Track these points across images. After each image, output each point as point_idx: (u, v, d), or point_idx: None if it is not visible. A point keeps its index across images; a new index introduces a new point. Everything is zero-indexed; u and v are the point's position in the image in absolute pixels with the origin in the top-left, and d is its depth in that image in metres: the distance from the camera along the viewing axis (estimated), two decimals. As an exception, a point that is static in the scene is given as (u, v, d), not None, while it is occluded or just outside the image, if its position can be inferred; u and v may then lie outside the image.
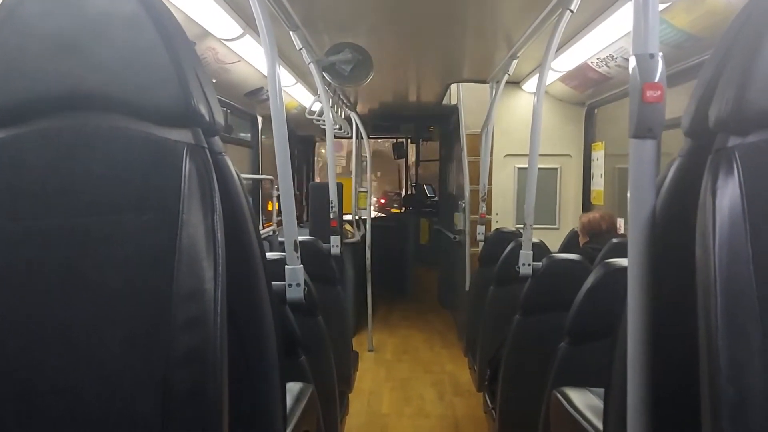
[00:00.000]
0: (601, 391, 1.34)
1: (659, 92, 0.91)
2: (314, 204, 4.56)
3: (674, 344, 0.91)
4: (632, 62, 0.93)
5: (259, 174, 4.65)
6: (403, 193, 9.13)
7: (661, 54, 0.93)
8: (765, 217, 0.78)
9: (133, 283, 0.86)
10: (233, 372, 0.90)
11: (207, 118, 0.98)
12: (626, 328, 0.98)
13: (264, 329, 1.09)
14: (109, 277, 0.86)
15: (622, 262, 1.79)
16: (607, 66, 3.35)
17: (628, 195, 0.98)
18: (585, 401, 1.53)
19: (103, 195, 0.89)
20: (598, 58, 3.31)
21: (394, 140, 8.28)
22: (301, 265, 1.75)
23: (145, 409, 0.83)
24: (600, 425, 1.34)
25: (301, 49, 2.82)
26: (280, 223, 4.79)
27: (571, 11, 2.23)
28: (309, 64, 2.99)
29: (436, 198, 7.88)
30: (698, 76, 0.95)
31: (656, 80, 0.91)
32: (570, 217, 4.49)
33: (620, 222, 3.62)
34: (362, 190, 6.04)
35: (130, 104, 0.93)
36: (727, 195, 0.79)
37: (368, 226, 5.15)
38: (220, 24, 2.60)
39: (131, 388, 0.83)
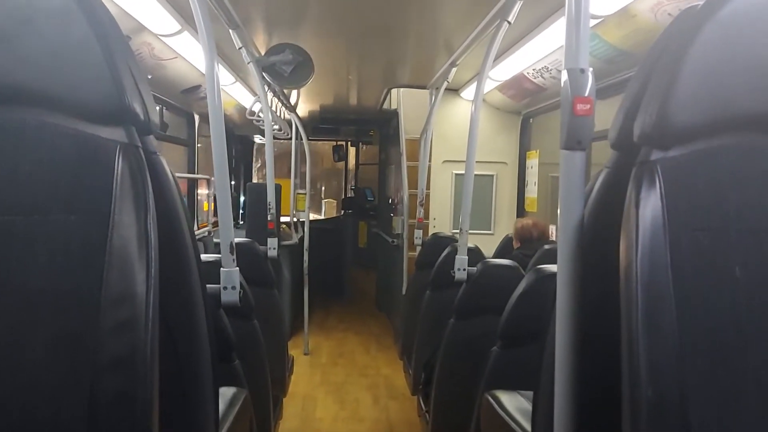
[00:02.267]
0: (531, 393, 1.38)
1: (589, 106, 0.94)
2: (251, 205, 4.49)
3: (600, 348, 0.94)
4: (564, 76, 0.96)
5: (195, 173, 4.54)
6: (342, 196, 9.12)
7: (591, 69, 0.96)
8: (683, 228, 0.82)
9: (60, 286, 0.82)
10: (164, 377, 0.88)
11: (141, 116, 0.95)
12: (554, 332, 1.01)
13: (197, 333, 1.07)
14: (33, 279, 0.82)
15: (553, 268, 1.84)
16: (543, 77, 3.45)
17: (559, 203, 1.01)
18: (515, 404, 1.57)
19: (28, 194, 0.85)
20: (534, 69, 3.41)
21: (334, 143, 8.26)
22: (237, 268, 1.73)
23: (71, 416, 0.79)
24: (529, 427, 1.38)
25: (240, 48, 2.78)
26: (215, 224, 4.70)
27: (509, 22, 2.29)
28: (249, 63, 2.96)
29: (375, 201, 7.90)
30: (625, 91, 0.99)
31: (586, 94, 0.95)
32: (505, 223, 4.59)
33: (552, 229, 3.74)
34: (300, 192, 6.00)
35: (59, 100, 0.90)
36: (649, 206, 0.83)
37: (306, 229, 5.12)
38: (158, 19, 2.53)
39: (56, 395, 0.80)
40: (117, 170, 0.87)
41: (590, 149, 1.05)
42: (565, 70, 0.96)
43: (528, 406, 1.50)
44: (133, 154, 0.91)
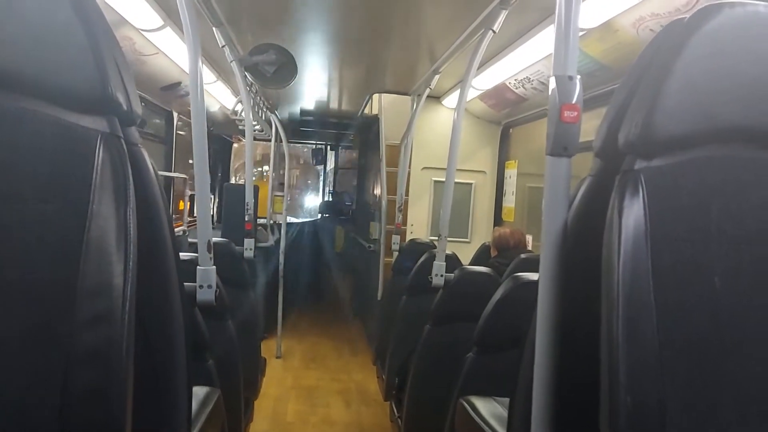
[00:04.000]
0: (506, 400, 1.38)
1: (576, 113, 0.95)
2: (228, 205, 4.45)
3: (579, 354, 0.95)
4: (552, 83, 0.97)
5: (171, 171, 4.49)
6: (320, 199, 9.10)
7: (579, 77, 0.97)
8: (665, 237, 0.83)
9: (34, 276, 0.80)
10: (138, 373, 0.86)
11: (124, 106, 0.93)
12: (534, 338, 1.01)
13: (173, 330, 1.05)
14: (8, 268, 0.80)
15: (531, 276, 1.86)
16: (524, 87, 3.48)
17: (542, 209, 1.02)
18: (490, 410, 1.57)
19: (5, 180, 0.83)
20: (515, 79, 3.44)
21: (314, 146, 8.24)
22: (214, 267, 1.71)
23: (43, 408, 0.77)
24: None
25: (223, 46, 2.76)
26: (190, 224, 4.64)
27: (494, 31, 2.30)
28: (231, 62, 2.93)
29: (353, 206, 7.89)
30: (611, 100, 1.00)
31: (574, 101, 0.95)
32: (482, 232, 4.62)
33: (529, 238, 3.76)
34: (278, 194, 5.97)
35: (39, 85, 0.88)
36: (632, 215, 0.84)
37: (283, 231, 5.09)
38: (140, 13, 2.50)
39: (28, 387, 0.77)
40: (98, 160, 0.86)
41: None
42: (553, 77, 0.97)
43: (503, 412, 1.50)
44: (114, 145, 0.89)
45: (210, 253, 1.70)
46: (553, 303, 0.99)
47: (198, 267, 1.68)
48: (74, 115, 0.88)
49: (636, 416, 0.78)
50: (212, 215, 6.11)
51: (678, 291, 0.81)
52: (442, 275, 2.49)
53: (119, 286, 0.82)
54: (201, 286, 1.68)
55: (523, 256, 2.73)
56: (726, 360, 0.80)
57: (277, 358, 4.94)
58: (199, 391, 1.54)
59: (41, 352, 0.78)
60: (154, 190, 1.01)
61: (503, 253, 3.19)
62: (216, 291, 1.71)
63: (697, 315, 0.81)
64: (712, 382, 0.79)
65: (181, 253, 1.41)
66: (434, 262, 2.50)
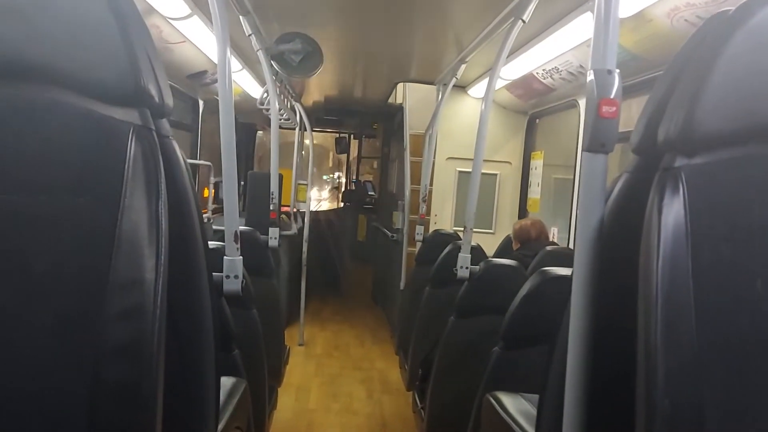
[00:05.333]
0: (534, 397, 1.37)
1: (614, 108, 0.93)
2: (253, 194, 4.47)
3: (613, 353, 0.93)
4: (590, 76, 0.94)
5: (197, 159, 4.52)
6: (343, 188, 9.10)
7: (618, 71, 0.94)
8: (706, 236, 0.81)
9: (66, 269, 0.80)
10: (167, 365, 0.86)
11: (156, 98, 0.93)
12: (566, 334, 1.00)
13: (202, 323, 1.05)
14: (39, 260, 0.80)
15: (559, 270, 1.83)
16: (552, 78, 3.43)
17: (578, 205, 1.00)
18: (517, 406, 1.56)
19: (37, 173, 0.83)
20: (543, 70, 3.39)
21: (337, 134, 8.23)
22: (241, 257, 1.71)
23: (73, 402, 0.77)
24: (532, 430, 1.37)
25: (250, 35, 2.76)
26: (215, 211, 4.67)
27: (523, 21, 2.27)
28: (258, 51, 2.93)
29: (376, 195, 7.89)
30: (650, 95, 0.98)
31: (612, 96, 0.93)
32: (506, 223, 4.58)
33: (554, 231, 3.72)
34: (302, 182, 5.98)
35: (72, 78, 0.87)
36: (672, 213, 0.81)
37: (307, 220, 5.10)
38: (168, 2, 2.51)
39: (58, 380, 0.78)
40: (129, 153, 0.85)
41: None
42: (591, 71, 0.94)
43: (531, 409, 1.49)
44: (146, 137, 0.89)
45: (237, 243, 1.71)
46: (587, 301, 0.97)
47: (225, 257, 1.69)
48: (107, 107, 0.88)
49: (673, 421, 0.76)
50: (240, 201, 6.15)
51: (718, 293, 0.79)
52: (467, 267, 2.47)
53: (151, 281, 0.82)
54: (228, 277, 1.69)
55: (548, 248, 2.69)
56: (766, 365, 0.77)
57: (300, 345, 4.98)
58: (226, 382, 1.55)
59: (72, 345, 0.79)
60: (185, 182, 1.01)
61: (526, 245, 3.15)
62: (242, 281, 1.72)
63: (738, 318, 0.78)
64: (751, 388, 0.77)
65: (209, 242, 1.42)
66: (459, 253, 2.49)
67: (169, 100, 0.98)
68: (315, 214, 7.43)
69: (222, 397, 1.39)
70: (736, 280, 0.80)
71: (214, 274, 1.62)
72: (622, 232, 0.95)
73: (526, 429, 1.41)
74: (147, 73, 0.92)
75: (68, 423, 0.78)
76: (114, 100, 0.89)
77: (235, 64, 3.85)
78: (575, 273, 0.98)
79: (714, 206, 0.82)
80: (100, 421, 0.78)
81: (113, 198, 0.83)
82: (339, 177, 11.27)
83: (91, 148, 0.85)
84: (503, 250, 3.62)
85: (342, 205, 8.78)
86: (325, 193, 11.85)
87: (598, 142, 0.94)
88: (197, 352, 1.06)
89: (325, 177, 12.10)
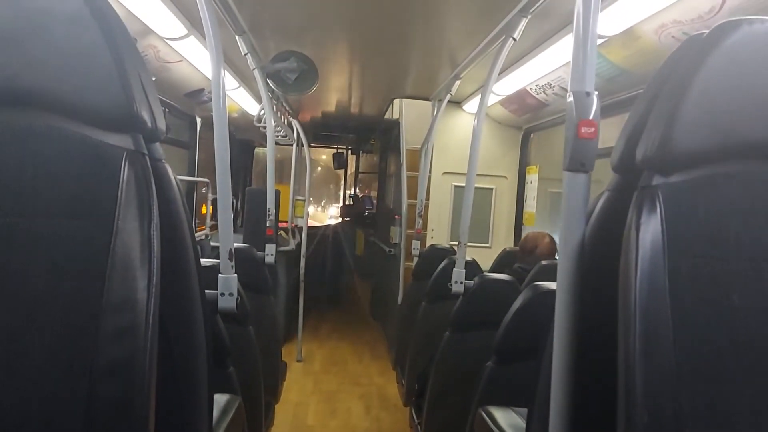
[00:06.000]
0: (524, 410, 1.38)
1: (593, 129, 0.95)
2: (250, 210, 4.49)
3: (597, 368, 0.95)
4: (569, 98, 0.97)
5: (194, 176, 4.55)
6: (341, 204, 9.13)
7: (596, 93, 0.97)
8: (683, 252, 0.83)
9: (60, 290, 0.82)
10: (160, 382, 0.88)
11: (149, 123, 0.96)
12: (551, 349, 1.01)
13: (195, 340, 1.07)
14: (34, 282, 0.82)
15: (550, 285, 1.85)
16: (545, 93, 3.47)
17: (560, 224, 1.02)
18: (508, 420, 1.57)
19: (33, 196, 0.85)
20: (536, 85, 3.43)
21: (335, 150, 8.27)
22: (235, 275, 1.73)
23: (67, 420, 0.79)
24: None
25: (246, 54, 2.80)
26: (213, 228, 4.69)
27: (514, 39, 2.30)
28: (254, 69, 2.97)
29: (374, 210, 7.91)
30: (629, 115, 1.00)
31: (591, 117, 0.96)
32: (502, 237, 4.60)
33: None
34: (299, 198, 6.00)
35: (67, 104, 0.90)
36: (649, 231, 0.84)
37: (304, 236, 5.12)
38: (165, 23, 2.54)
39: (53, 399, 0.79)
40: (123, 177, 0.88)
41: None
42: (571, 93, 0.97)
43: (522, 422, 1.50)
44: (139, 162, 0.92)
45: (231, 261, 1.72)
46: (570, 315, 0.99)
47: (219, 275, 1.71)
48: (101, 133, 0.91)
49: (653, 428, 0.78)
50: (238, 218, 6.17)
51: (696, 308, 0.81)
52: (461, 282, 2.49)
53: (143, 301, 0.84)
54: (222, 294, 1.71)
55: (544, 263, 2.71)
56: (744, 379, 0.79)
57: (298, 362, 4.97)
58: (220, 399, 1.56)
59: (66, 365, 0.80)
60: (177, 204, 1.03)
61: (525, 258, 3.16)
62: (237, 299, 1.73)
63: (716, 334, 0.80)
64: (729, 402, 0.79)
65: (203, 260, 1.44)
66: (454, 268, 2.50)
67: (162, 125, 1.01)
68: (314, 230, 7.45)
69: (216, 414, 1.40)
70: (713, 294, 0.82)
71: (209, 292, 1.64)
72: (603, 248, 0.97)
73: (517, 443, 1.43)
74: (140, 99, 0.94)
75: None
76: (108, 125, 0.92)
77: (232, 82, 3.88)
78: (558, 288, 1.00)
79: (691, 223, 0.85)
80: None
81: (107, 221, 0.85)
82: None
83: (85, 172, 0.88)
84: (500, 264, 3.63)
85: (341, 220, 8.80)
86: (333, 210, 11.91)
87: (578, 161, 0.97)
88: (191, 369, 1.07)
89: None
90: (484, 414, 1.66)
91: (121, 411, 0.81)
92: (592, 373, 0.98)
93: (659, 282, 0.81)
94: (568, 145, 0.97)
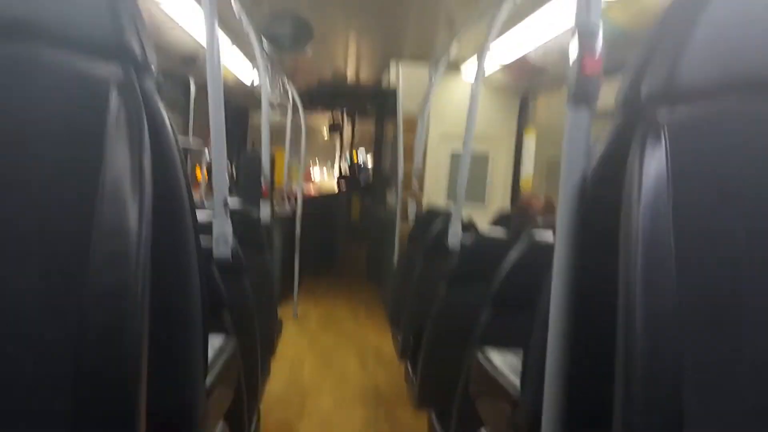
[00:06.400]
0: (521, 352, 1.42)
1: (597, 65, 0.96)
2: (246, 172, 4.47)
3: (596, 306, 0.94)
4: (574, 34, 0.98)
5: (190, 140, 4.54)
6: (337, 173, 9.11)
7: (601, 27, 0.98)
8: (687, 188, 0.81)
9: (48, 220, 0.81)
10: (153, 316, 0.86)
11: (138, 53, 0.93)
12: (549, 290, 1.02)
13: (189, 275, 1.06)
14: (20, 213, 0.81)
15: (547, 233, 1.88)
16: (545, 58, 3.47)
17: (561, 161, 1.03)
18: (505, 360, 1.62)
19: (17, 127, 0.83)
20: (536, 50, 3.42)
21: (330, 114, 8.22)
22: (230, 221, 1.73)
23: (58, 348, 0.78)
24: (517, 383, 1.42)
25: (240, 15, 2.77)
26: (208, 193, 4.70)
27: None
28: (248, 31, 2.94)
29: (370, 176, 7.92)
30: (635, 52, 1.00)
31: (596, 54, 0.96)
32: (498, 201, 4.63)
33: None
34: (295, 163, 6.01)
35: (54, 33, 0.88)
36: (653, 165, 0.82)
37: (299, 199, 5.14)
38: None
39: (45, 328, 0.79)
40: (112, 106, 0.85)
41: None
42: (576, 27, 0.98)
43: (518, 363, 1.54)
44: (129, 92, 0.89)
45: (226, 209, 1.73)
46: (570, 255, 0.99)
47: (213, 220, 1.70)
48: (88, 62, 0.88)
49: (652, 365, 0.77)
50: (233, 184, 6.16)
51: (699, 244, 0.80)
52: (458, 238, 2.53)
53: (134, 228, 0.82)
54: (218, 241, 1.71)
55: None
56: (745, 314, 0.78)
57: (294, 318, 5.02)
58: (215, 340, 1.56)
59: (57, 294, 0.79)
60: (170, 140, 1.01)
61: (520, 217, 3.16)
62: (233, 248, 1.74)
63: (719, 270, 0.79)
64: (730, 337, 0.78)
65: (199, 211, 1.42)
66: (450, 225, 2.54)
67: (153, 58, 0.98)
68: (310, 195, 7.46)
69: (211, 353, 1.39)
70: (717, 232, 0.80)
71: (203, 236, 1.65)
72: (606, 186, 0.96)
73: (512, 381, 1.47)
74: (130, 27, 0.92)
75: (55, 370, 0.78)
76: (96, 54, 0.89)
77: (226, 44, 3.84)
78: (558, 224, 1.00)
79: (695, 159, 0.83)
80: (85, 366, 0.79)
81: (96, 150, 0.83)
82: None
83: (73, 101, 0.85)
84: (496, 224, 3.66)
85: (338, 191, 8.77)
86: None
87: (582, 97, 0.97)
88: (183, 303, 1.07)
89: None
90: (481, 354, 1.70)
91: (113, 338, 0.80)
92: (592, 310, 0.98)
93: (663, 216, 0.80)
94: (571, 82, 0.98)
